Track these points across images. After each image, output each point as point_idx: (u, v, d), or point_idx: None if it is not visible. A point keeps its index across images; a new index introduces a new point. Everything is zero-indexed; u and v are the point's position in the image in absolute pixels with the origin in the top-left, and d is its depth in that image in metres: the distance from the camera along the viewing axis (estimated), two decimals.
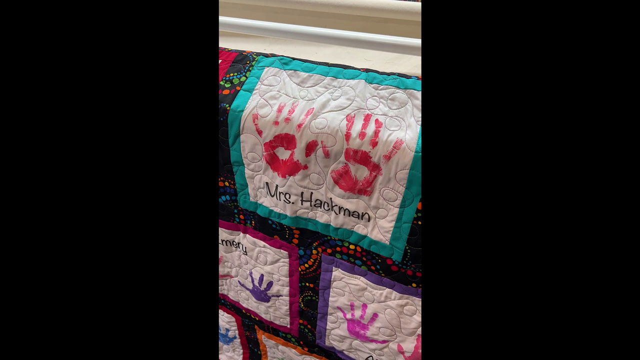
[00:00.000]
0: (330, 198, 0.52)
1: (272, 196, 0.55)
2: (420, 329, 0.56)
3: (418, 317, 0.56)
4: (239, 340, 0.76)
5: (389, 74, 0.51)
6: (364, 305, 0.59)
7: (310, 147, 0.50)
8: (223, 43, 0.80)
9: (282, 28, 0.60)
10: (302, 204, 0.54)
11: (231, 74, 0.54)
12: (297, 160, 0.51)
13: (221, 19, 0.63)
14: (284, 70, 0.53)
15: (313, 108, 0.50)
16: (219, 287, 0.71)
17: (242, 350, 0.78)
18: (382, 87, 0.50)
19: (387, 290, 0.56)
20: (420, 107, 0.48)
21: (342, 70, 0.52)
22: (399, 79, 0.50)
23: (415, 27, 0.80)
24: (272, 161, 0.53)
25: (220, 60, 0.56)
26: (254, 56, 0.55)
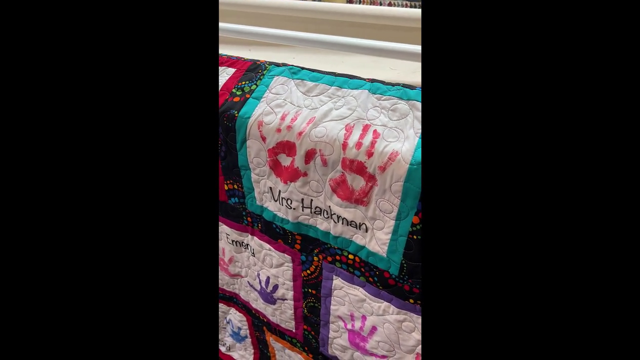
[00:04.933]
0: (329, 206, 0.52)
1: (276, 201, 0.57)
2: (419, 347, 0.55)
3: (417, 335, 0.54)
4: (250, 340, 0.78)
5: (393, 85, 0.51)
6: (363, 317, 0.58)
7: (309, 155, 0.50)
8: (256, 52, 0.83)
9: (309, 37, 0.61)
10: (302, 210, 0.55)
11: (243, 82, 0.57)
12: (297, 167, 0.52)
13: (254, 28, 0.66)
14: (292, 79, 0.55)
15: (315, 117, 0.51)
16: (232, 286, 0.74)
17: (253, 350, 0.79)
18: (384, 97, 0.50)
19: (385, 303, 0.55)
20: (421, 119, 0.47)
21: (347, 80, 0.53)
22: (403, 90, 0.49)
23: None
24: (275, 167, 0.54)
25: (235, 69, 0.58)
26: (267, 65, 0.57)
